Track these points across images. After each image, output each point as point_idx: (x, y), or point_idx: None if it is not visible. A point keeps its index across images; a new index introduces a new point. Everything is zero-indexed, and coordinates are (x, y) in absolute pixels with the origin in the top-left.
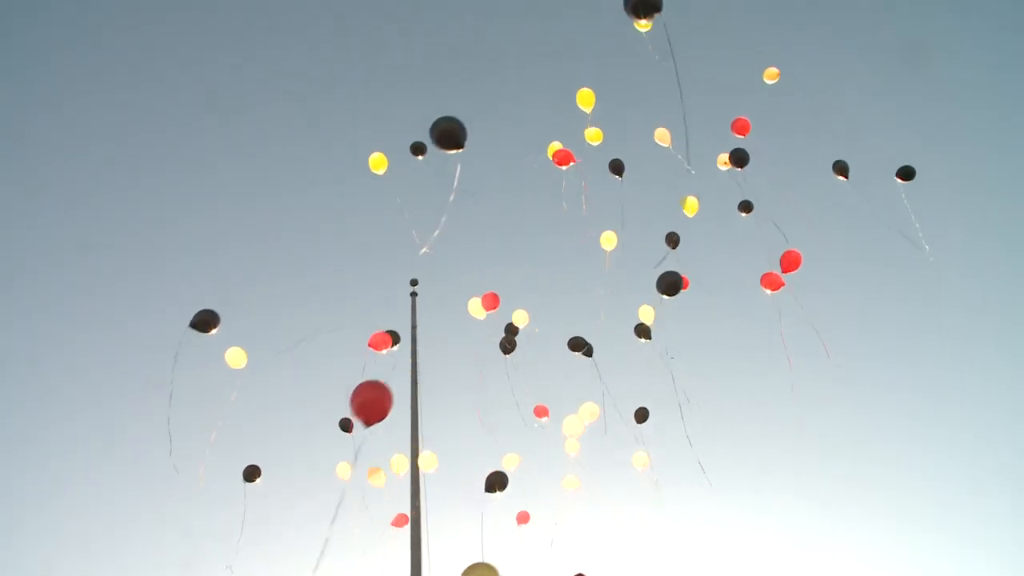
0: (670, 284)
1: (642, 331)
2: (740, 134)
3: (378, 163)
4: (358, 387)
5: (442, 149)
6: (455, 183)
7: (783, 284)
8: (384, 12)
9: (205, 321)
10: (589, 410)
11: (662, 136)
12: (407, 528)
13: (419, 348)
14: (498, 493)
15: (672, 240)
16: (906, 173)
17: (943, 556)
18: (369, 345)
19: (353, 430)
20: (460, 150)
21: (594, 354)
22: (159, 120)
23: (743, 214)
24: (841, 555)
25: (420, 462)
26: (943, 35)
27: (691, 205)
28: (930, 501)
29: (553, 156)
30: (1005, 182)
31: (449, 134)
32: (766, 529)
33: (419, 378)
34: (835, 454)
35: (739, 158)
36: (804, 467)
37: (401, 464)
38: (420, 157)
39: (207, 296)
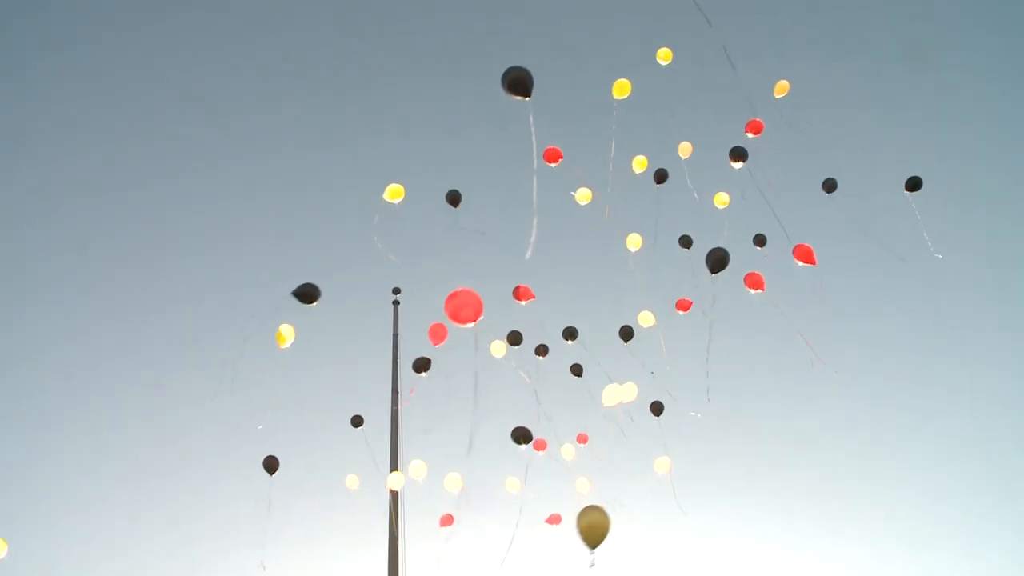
0: (717, 260)
1: (625, 334)
2: (753, 133)
3: (395, 193)
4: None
5: (512, 95)
6: (532, 136)
7: (763, 288)
8: (387, 14)
9: (308, 293)
10: (629, 389)
11: (685, 149)
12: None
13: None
14: (524, 446)
15: (685, 242)
16: (914, 184)
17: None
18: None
19: (362, 425)
20: (528, 98)
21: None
22: (159, 120)
23: (758, 247)
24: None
25: (391, 480)
26: (943, 37)
27: (721, 199)
28: (942, 513)
29: (544, 154)
30: (1006, 187)
31: (519, 82)
32: (778, 538)
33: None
34: (842, 464)
35: (738, 154)
36: (811, 476)
37: (419, 469)
38: (455, 207)
39: (206, 296)
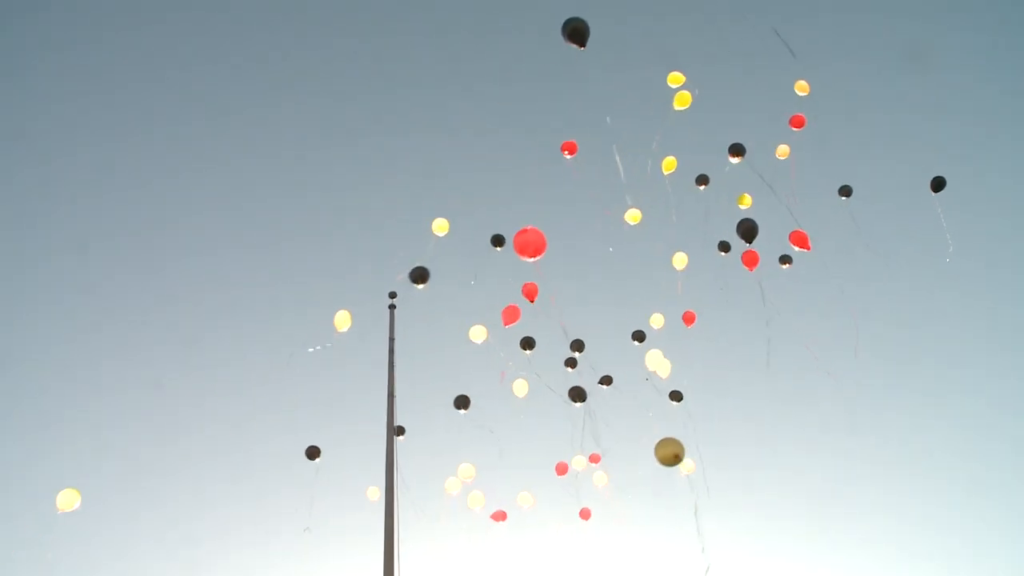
0: (748, 230)
1: (637, 336)
2: (796, 127)
3: (441, 227)
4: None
5: (570, 43)
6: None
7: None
8: (388, 14)
9: (421, 275)
10: (666, 364)
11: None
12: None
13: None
14: (578, 404)
15: (724, 247)
16: (938, 184)
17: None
18: (506, 318)
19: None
20: (583, 47)
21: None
22: (159, 120)
23: (784, 266)
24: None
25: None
26: (945, 36)
27: (745, 200)
28: (944, 516)
29: (562, 147)
30: (1007, 188)
31: (577, 32)
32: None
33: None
34: (843, 468)
35: (736, 151)
36: (815, 479)
37: (466, 472)
38: (499, 248)
39: (206, 296)
